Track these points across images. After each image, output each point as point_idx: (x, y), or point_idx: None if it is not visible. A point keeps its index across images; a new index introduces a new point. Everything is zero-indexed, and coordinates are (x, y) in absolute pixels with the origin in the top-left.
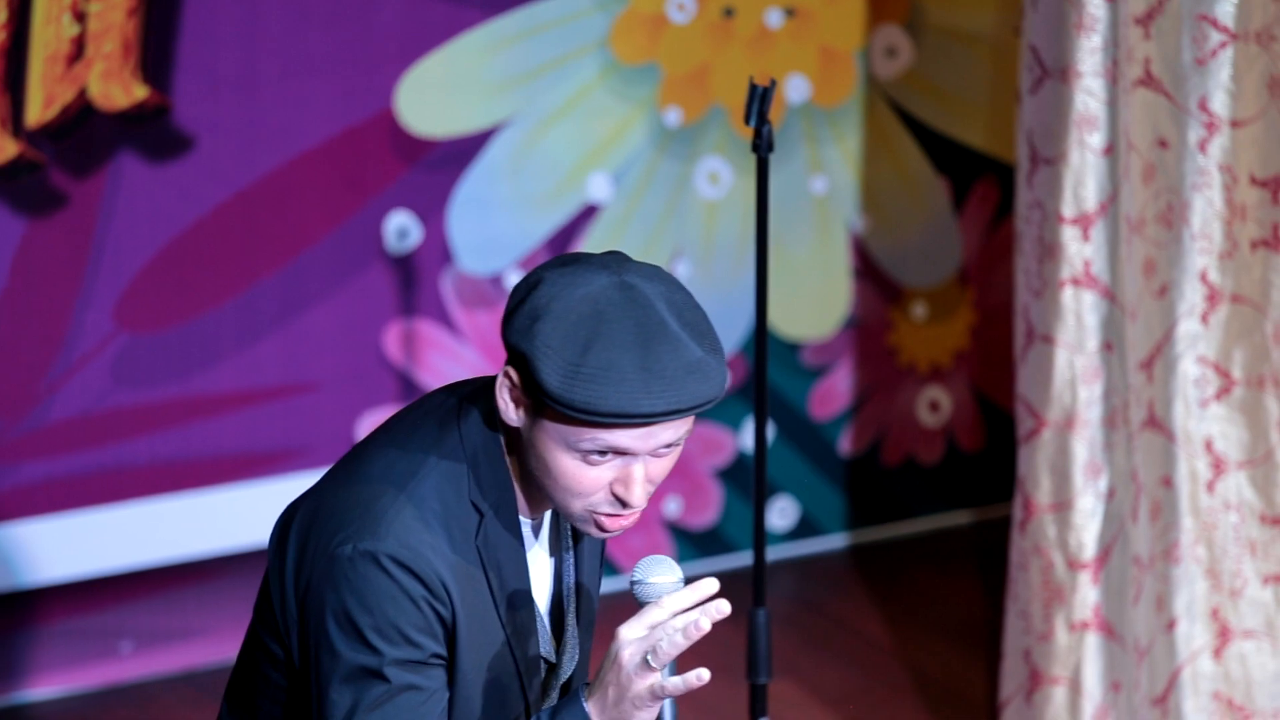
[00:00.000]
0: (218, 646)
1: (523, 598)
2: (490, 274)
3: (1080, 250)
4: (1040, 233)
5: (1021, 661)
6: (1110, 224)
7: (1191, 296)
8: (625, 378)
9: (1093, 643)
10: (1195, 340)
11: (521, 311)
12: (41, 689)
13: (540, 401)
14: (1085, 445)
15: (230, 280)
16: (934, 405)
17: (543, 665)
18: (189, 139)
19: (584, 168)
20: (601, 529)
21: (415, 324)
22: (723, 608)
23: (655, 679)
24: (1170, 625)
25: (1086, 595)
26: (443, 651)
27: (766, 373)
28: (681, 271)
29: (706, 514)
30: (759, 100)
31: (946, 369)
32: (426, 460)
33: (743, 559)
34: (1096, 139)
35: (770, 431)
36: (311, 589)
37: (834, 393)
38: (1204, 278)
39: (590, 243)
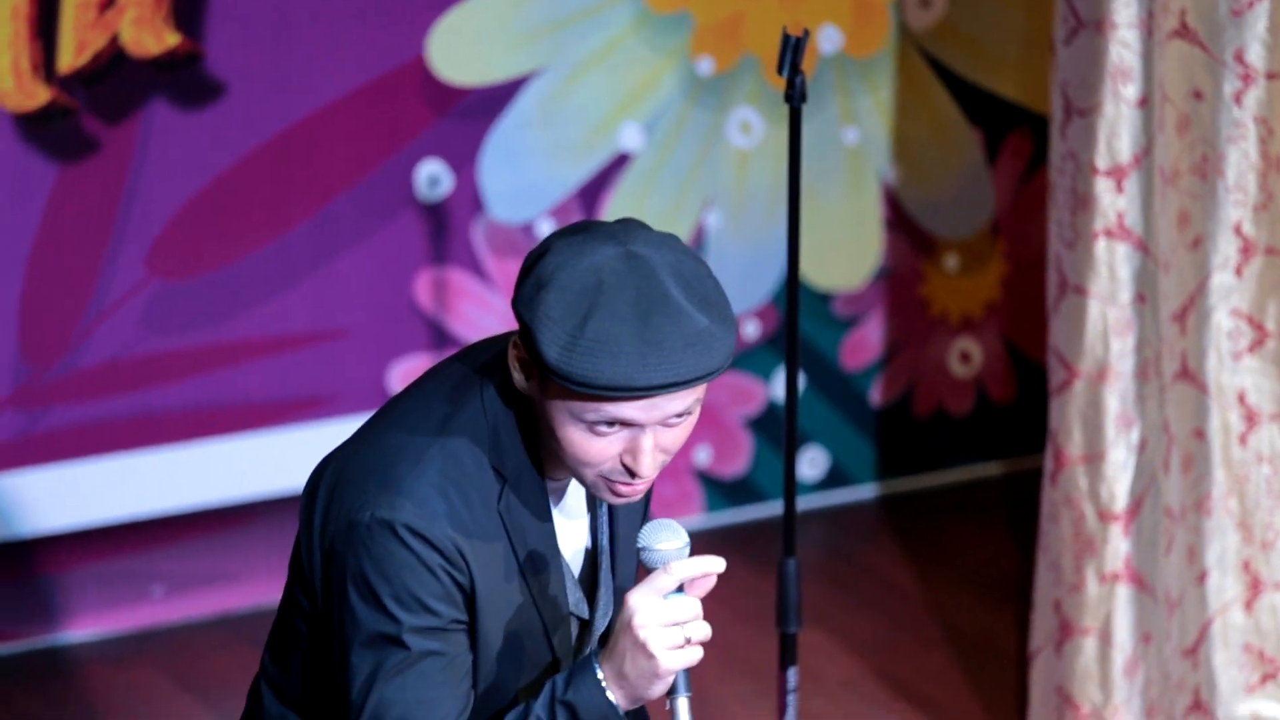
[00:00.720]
0: (248, 592)
1: (548, 559)
2: (521, 223)
3: (1114, 202)
4: (1074, 184)
5: (1052, 612)
6: (1144, 176)
7: (1225, 249)
8: (622, 350)
9: (1123, 594)
10: (1229, 292)
11: (528, 281)
12: (74, 632)
13: (544, 372)
14: (1117, 397)
15: (261, 227)
16: (965, 356)
17: (574, 622)
18: (220, 86)
19: (615, 117)
20: (615, 495)
21: (446, 272)
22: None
23: (676, 649)
24: (1201, 577)
25: (1118, 547)
26: (462, 617)
27: (798, 323)
28: (713, 222)
29: (737, 463)
30: (792, 51)
31: (978, 320)
32: (447, 428)
33: (773, 508)
34: (1131, 90)
35: (801, 381)
36: (334, 553)
37: (865, 343)
38: (1238, 230)
39: (621, 192)
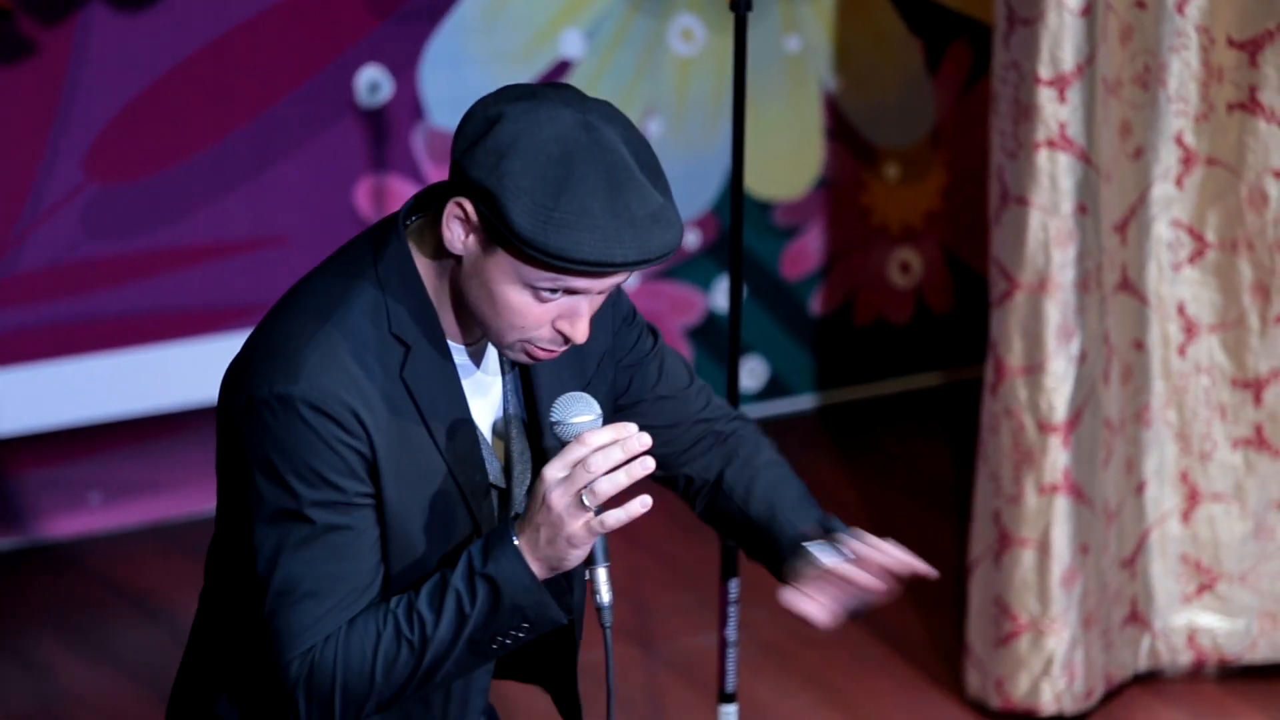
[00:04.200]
0: (185, 499)
1: (461, 425)
2: None
3: (1056, 112)
4: (1016, 94)
5: (991, 523)
6: (1087, 85)
7: (1167, 159)
8: (597, 225)
9: (1062, 505)
10: (1169, 203)
11: (484, 146)
12: (10, 539)
13: (502, 238)
14: (1058, 308)
15: (200, 132)
16: (905, 266)
17: (493, 491)
18: None
19: (556, 23)
20: (532, 358)
21: (386, 179)
22: (648, 464)
23: (589, 517)
24: (1140, 488)
25: (1056, 458)
26: (367, 490)
27: (742, 234)
28: (654, 130)
29: None
30: None
31: (918, 230)
32: (344, 300)
33: None
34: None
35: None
36: (237, 433)
37: (805, 253)
38: (1179, 140)
39: None
